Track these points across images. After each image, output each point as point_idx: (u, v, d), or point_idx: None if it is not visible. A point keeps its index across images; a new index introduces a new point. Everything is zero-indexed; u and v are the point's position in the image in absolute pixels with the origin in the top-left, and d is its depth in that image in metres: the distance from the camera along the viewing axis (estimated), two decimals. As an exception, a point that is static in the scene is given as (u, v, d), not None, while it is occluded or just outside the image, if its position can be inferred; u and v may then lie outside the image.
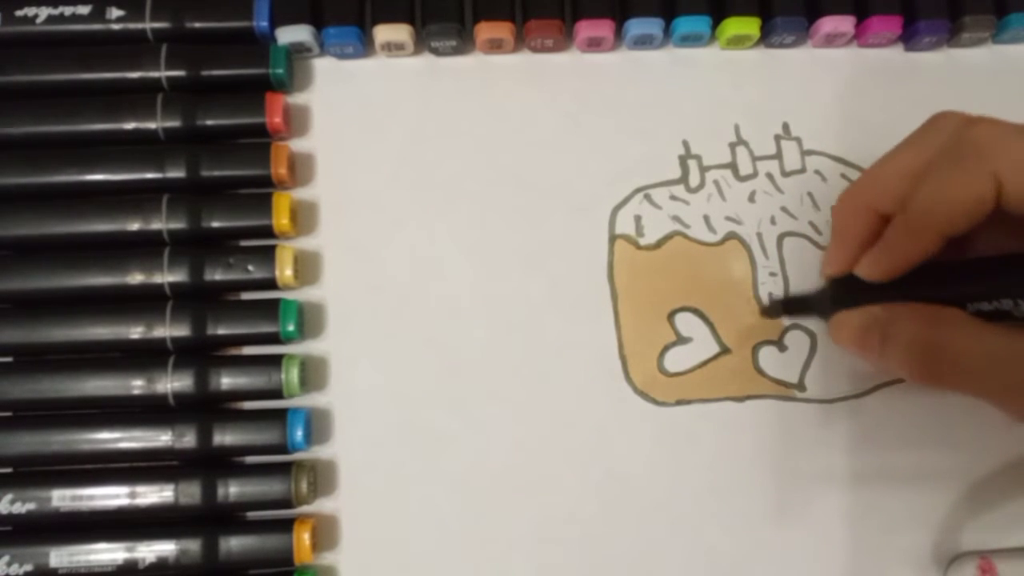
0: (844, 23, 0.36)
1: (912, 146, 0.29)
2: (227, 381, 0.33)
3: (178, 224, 0.33)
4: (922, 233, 0.27)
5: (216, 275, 0.33)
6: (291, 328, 0.33)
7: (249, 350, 0.34)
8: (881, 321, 0.29)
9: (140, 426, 0.32)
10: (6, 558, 0.32)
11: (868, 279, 0.29)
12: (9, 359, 0.34)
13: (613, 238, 0.36)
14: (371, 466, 0.34)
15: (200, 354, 0.33)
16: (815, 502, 0.34)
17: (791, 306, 0.34)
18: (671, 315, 0.35)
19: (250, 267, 0.33)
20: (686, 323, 0.35)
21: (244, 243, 0.35)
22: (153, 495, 0.32)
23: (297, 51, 0.36)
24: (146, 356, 0.33)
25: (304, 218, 0.35)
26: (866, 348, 0.29)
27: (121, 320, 0.33)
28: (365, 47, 0.36)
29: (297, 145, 0.36)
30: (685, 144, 0.36)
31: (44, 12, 0.34)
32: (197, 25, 0.35)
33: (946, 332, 0.27)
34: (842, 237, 0.30)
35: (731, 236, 0.36)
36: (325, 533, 0.33)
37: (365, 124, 0.36)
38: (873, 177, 0.30)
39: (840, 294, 0.30)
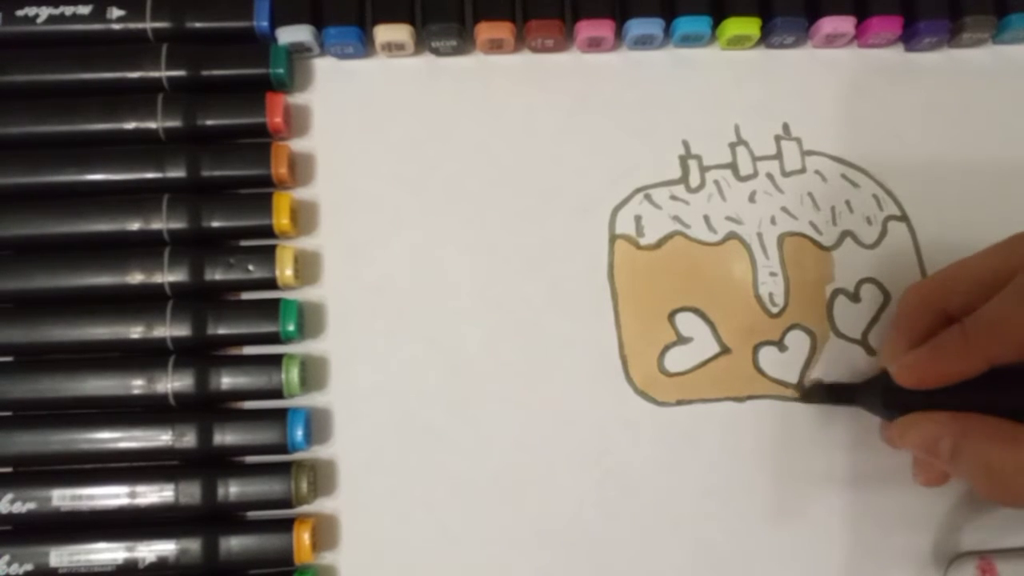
0: (844, 23, 0.36)
1: (990, 257, 0.29)
2: (227, 381, 0.33)
3: (178, 224, 0.33)
4: (975, 356, 0.27)
5: (216, 275, 0.33)
6: (291, 328, 0.33)
7: (249, 350, 0.34)
8: (952, 432, 0.28)
9: (140, 426, 0.32)
10: (6, 558, 0.32)
11: (905, 385, 0.29)
12: (9, 359, 0.34)
13: (613, 238, 0.36)
14: (371, 466, 0.34)
15: (200, 354, 0.33)
16: (815, 502, 0.34)
17: (836, 393, 0.34)
18: (671, 315, 0.35)
19: (250, 267, 0.33)
20: (686, 323, 0.35)
21: (244, 243, 0.35)
22: (153, 495, 0.32)
23: (297, 51, 0.36)
24: (146, 356, 0.33)
25: (304, 218, 0.35)
26: (937, 454, 0.28)
27: (121, 320, 0.33)
28: (365, 47, 0.36)
29: (297, 145, 0.36)
30: (685, 144, 0.36)
31: (44, 12, 0.34)
32: (197, 25, 0.35)
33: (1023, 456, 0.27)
34: (906, 333, 0.30)
35: (731, 236, 0.36)
36: (325, 533, 0.33)
37: (365, 124, 0.36)
38: (946, 279, 0.30)
39: (896, 388, 0.29)
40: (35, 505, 0.32)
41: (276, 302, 0.33)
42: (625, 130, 0.36)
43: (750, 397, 0.35)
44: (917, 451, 0.30)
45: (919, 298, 0.31)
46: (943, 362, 0.28)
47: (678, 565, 0.34)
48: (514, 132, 0.36)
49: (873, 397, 0.31)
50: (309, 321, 0.35)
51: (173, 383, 0.32)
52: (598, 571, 0.34)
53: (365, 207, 0.35)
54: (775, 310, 0.35)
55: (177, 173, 0.34)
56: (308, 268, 0.35)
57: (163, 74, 0.34)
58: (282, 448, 0.33)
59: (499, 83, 0.37)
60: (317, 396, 0.34)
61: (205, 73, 0.34)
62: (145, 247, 0.33)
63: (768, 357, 0.35)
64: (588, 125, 0.36)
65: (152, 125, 0.34)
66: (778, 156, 0.36)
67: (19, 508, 0.32)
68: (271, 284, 0.34)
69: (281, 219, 0.33)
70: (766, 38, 0.36)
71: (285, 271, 0.33)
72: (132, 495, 0.32)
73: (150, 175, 0.34)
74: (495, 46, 0.36)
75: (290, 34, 0.35)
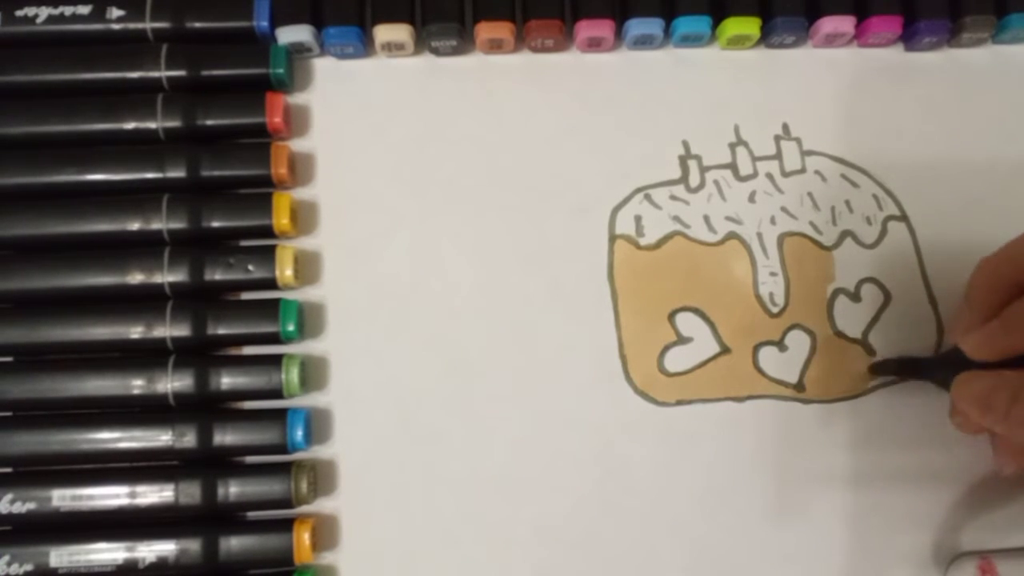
0: (844, 23, 0.35)
1: None
2: (227, 381, 0.33)
3: (178, 224, 0.33)
4: None
5: (216, 275, 0.33)
6: (291, 328, 0.33)
7: (249, 350, 0.34)
8: (1012, 382, 0.27)
9: (140, 426, 0.32)
10: (6, 558, 0.32)
11: (977, 359, 0.28)
12: (9, 359, 0.34)
13: (613, 238, 0.36)
14: (371, 466, 0.34)
15: (200, 354, 0.33)
16: (815, 502, 0.34)
17: (905, 367, 0.33)
18: (671, 315, 0.35)
19: (250, 267, 0.33)
20: (686, 323, 0.35)
21: (244, 243, 0.35)
22: (153, 495, 0.32)
23: (297, 51, 0.36)
24: (146, 356, 0.33)
25: (304, 218, 0.35)
26: (991, 408, 0.28)
27: (121, 320, 0.33)
28: (365, 47, 0.36)
29: (297, 145, 0.36)
30: (685, 144, 0.36)
31: (44, 12, 0.34)
32: (197, 25, 0.35)
33: None
34: (977, 306, 0.30)
35: (731, 236, 0.36)
36: (325, 533, 0.33)
37: (365, 124, 0.36)
38: (1017, 251, 0.29)
39: (967, 363, 0.29)
40: (35, 505, 0.32)
41: (276, 302, 0.33)
42: (625, 130, 0.36)
43: (750, 397, 0.35)
44: (973, 406, 0.29)
45: (990, 271, 0.30)
46: (1014, 335, 0.28)
47: (678, 565, 0.34)
48: (514, 132, 0.36)
49: (944, 372, 0.31)
50: (309, 321, 0.35)
51: (173, 383, 0.32)
52: (598, 570, 0.34)
53: (365, 207, 0.35)
54: (775, 310, 0.35)
55: (177, 173, 0.34)
56: (308, 268, 0.35)
57: (163, 74, 0.34)
58: (282, 448, 0.33)
59: (499, 83, 0.37)
60: (317, 396, 0.34)
61: (205, 73, 0.34)
62: (145, 247, 0.33)
63: (768, 357, 0.35)
64: (588, 125, 0.36)
65: (152, 125, 0.34)
66: (778, 156, 0.36)
67: (19, 508, 0.32)
68: (271, 284, 0.34)
69: (281, 219, 0.33)
70: (766, 38, 0.36)
71: (285, 271, 0.33)
72: (132, 495, 0.32)
73: (150, 175, 0.34)
74: (495, 46, 0.36)
75: (290, 34, 0.35)
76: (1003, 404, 0.27)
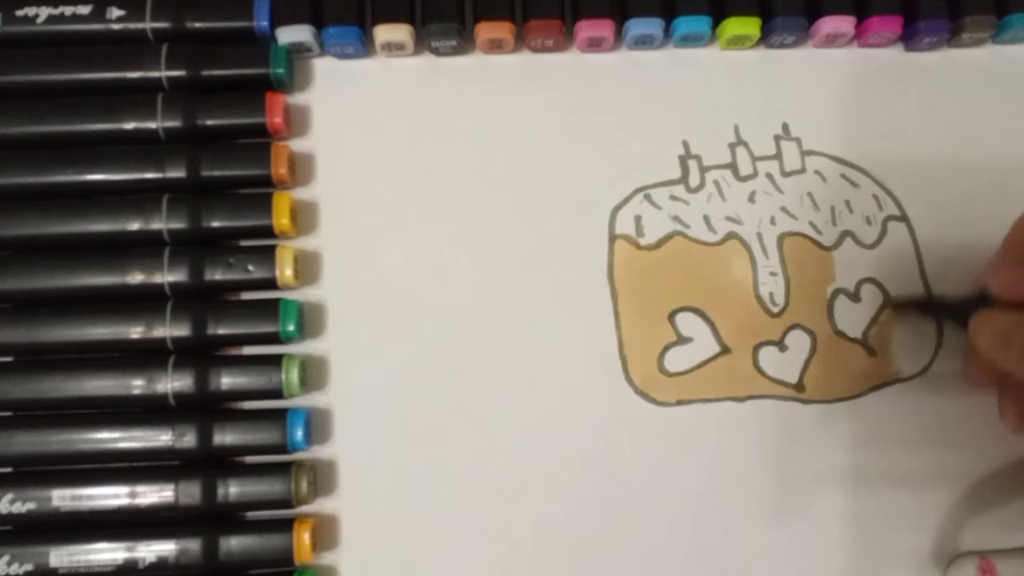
0: (844, 23, 0.36)
1: None
2: (227, 381, 0.33)
3: (178, 224, 0.33)
4: None
5: (216, 275, 0.33)
6: (291, 328, 0.33)
7: (249, 350, 0.34)
8: None
9: (140, 426, 0.32)
10: (6, 558, 0.32)
11: (1003, 297, 0.29)
12: (9, 359, 0.34)
13: (613, 238, 0.36)
14: (371, 466, 0.34)
15: (200, 354, 0.33)
16: (815, 502, 0.34)
17: (928, 306, 0.34)
18: (671, 315, 0.35)
19: (250, 267, 0.33)
20: (686, 323, 0.35)
21: (244, 243, 0.35)
22: (153, 495, 0.32)
23: (297, 51, 0.36)
24: (146, 356, 0.33)
25: (304, 218, 0.35)
26: (1009, 346, 0.28)
27: (121, 320, 0.33)
28: (365, 47, 0.36)
29: (297, 145, 0.36)
30: (685, 144, 0.36)
31: (44, 12, 0.34)
32: (197, 25, 0.35)
33: None
34: (1012, 253, 0.30)
35: (731, 236, 0.36)
36: (325, 533, 0.33)
37: (365, 124, 0.36)
38: None
39: (986, 304, 0.29)
40: (35, 505, 0.32)
41: (276, 302, 0.33)
42: (625, 130, 0.36)
43: (750, 397, 0.35)
44: (991, 343, 0.29)
45: None
46: None
47: (678, 565, 0.34)
48: (514, 132, 0.36)
49: (964, 312, 0.31)
50: (309, 321, 0.35)
51: (173, 383, 0.32)
52: (598, 571, 0.34)
53: (365, 207, 0.35)
54: (776, 310, 0.35)
55: (177, 173, 0.34)
56: (308, 268, 0.35)
57: (163, 74, 0.34)
58: (282, 448, 0.33)
59: (499, 83, 0.37)
60: (317, 396, 0.34)
61: (205, 73, 0.34)
62: (145, 247, 0.33)
63: (768, 357, 0.35)
64: (588, 125, 0.36)
65: (152, 125, 0.34)
66: (778, 156, 0.36)
67: (19, 508, 0.32)
68: (271, 284, 0.34)
69: (281, 219, 0.33)
70: (766, 38, 0.36)
71: (285, 271, 0.33)
72: (132, 495, 0.32)
73: (150, 175, 0.34)
74: (495, 46, 0.36)
75: (290, 34, 0.35)
76: (1021, 342, 0.28)
